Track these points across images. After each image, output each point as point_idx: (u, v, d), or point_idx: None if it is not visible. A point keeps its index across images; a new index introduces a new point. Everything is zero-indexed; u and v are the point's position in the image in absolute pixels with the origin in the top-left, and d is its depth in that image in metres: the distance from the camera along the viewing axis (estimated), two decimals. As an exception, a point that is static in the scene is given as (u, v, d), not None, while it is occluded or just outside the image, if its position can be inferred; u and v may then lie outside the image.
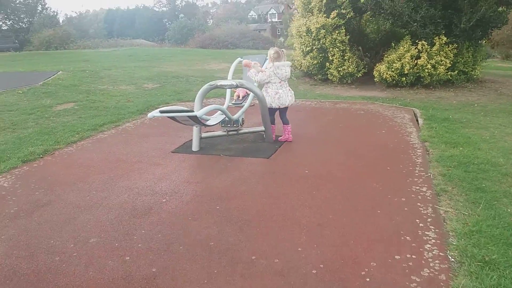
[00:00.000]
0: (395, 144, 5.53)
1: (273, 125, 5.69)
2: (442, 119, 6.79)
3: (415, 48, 10.12)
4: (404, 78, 10.11)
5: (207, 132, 5.79)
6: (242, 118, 5.58)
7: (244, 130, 5.65)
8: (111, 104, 8.41)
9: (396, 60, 10.17)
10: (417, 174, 4.41)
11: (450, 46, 10.18)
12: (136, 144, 5.80)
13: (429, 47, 10.10)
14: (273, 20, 70.69)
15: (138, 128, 6.72)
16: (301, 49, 12.13)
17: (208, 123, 5.06)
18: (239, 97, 6.02)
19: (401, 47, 10.30)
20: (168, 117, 4.55)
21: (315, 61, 11.60)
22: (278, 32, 46.16)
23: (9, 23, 36.04)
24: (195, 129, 5.48)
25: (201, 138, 5.56)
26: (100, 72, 12.56)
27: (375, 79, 10.64)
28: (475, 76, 11.06)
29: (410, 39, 10.36)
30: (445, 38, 10.08)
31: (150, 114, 4.40)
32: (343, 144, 5.59)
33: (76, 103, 8.41)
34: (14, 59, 19.80)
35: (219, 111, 5.45)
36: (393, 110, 7.70)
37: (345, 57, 11.15)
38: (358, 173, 4.48)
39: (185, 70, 14.00)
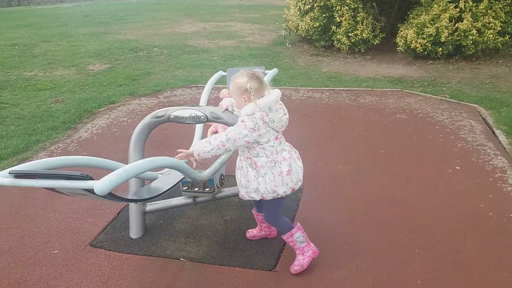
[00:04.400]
0: (496, 212, 3.08)
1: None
2: (536, 132, 4.33)
3: (455, 7, 7.43)
4: (440, 48, 7.49)
5: (156, 201, 3.22)
6: (222, 174, 3.03)
7: (225, 192, 3.11)
8: (29, 109, 5.70)
9: (429, 23, 7.49)
10: None
11: (502, 1, 7.50)
12: (35, 218, 3.25)
13: (474, 4, 7.41)
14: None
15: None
16: (298, 7, 9.31)
17: (142, 194, 2.51)
18: None
19: (435, 5, 7.58)
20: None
21: (317, 23, 8.84)
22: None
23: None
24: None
25: (145, 213, 3.04)
26: (35, 47, 9.55)
27: (399, 47, 8.00)
28: (526, 40, 8.52)
29: (448, -6, 7.61)
30: (495, -9, 7.39)
31: None
32: (410, 223, 3.12)
33: (-27, 110, 5.67)
34: None
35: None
36: (448, 110, 5.18)
37: (357, 18, 8.40)
38: None
39: (150, 36, 11.06)
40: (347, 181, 3.60)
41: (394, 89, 6.13)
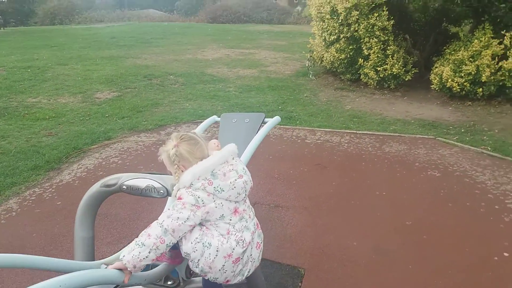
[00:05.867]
0: None
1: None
2: None
3: (499, 43, 6.60)
4: (481, 89, 6.64)
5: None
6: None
7: (198, 283, 2.41)
8: (17, 142, 5.23)
9: (468, 60, 6.68)
10: None
11: (553, 38, 6.63)
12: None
13: (521, 40, 6.58)
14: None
15: (12, 228, 3.53)
16: (323, 37, 8.69)
17: None
18: None
19: (476, 41, 6.77)
20: None
21: (343, 55, 8.20)
22: (296, 0, 41.50)
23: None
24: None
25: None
26: (49, 70, 9.27)
27: (433, 86, 7.20)
28: None
29: (491, 28, 6.79)
30: (545, 26, 6.54)
31: None
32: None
33: (-41, 142, 5.25)
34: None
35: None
36: (490, 167, 4.33)
37: (387, 51, 7.69)
38: None
39: (169, 62, 10.67)
40: (361, 265, 2.83)
41: (426, 136, 5.33)
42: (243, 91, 7.87)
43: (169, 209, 1.68)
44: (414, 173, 4.25)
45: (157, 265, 2.06)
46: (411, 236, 3.15)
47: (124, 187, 2.14)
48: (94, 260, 2.37)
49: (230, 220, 1.71)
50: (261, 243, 1.88)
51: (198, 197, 1.65)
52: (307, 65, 9.46)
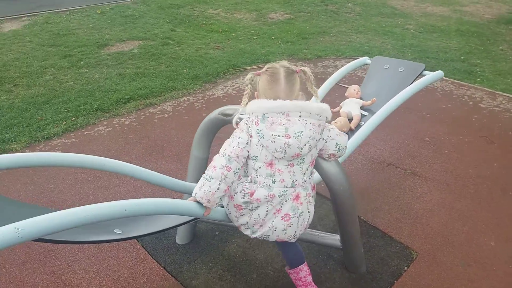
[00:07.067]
0: None
1: None
2: None
3: None
4: None
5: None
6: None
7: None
8: (188, 50, 5.68)
9: None
10: None
11: None
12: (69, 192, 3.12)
13: None
14: None
15: (160, 129, 3.93)
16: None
17: (133, 228, 1.84)
18: None
19: None
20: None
21: None
22: None
23: None
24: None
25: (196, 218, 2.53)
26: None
27: None
28: None
29: None
30: None
31: None
32: None
33: (143, 42, 5.92)
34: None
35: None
36: None
37: None
38: None
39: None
40: (492, 272, 2.33)
41: None
42: (424, 31, 6.91)
43: (231, 137, 1.68)
44: None
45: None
46: None
47: (238, 120, 2.10)
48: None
49: (259, 168, 1.64)
50: (292, 217, 1.69)
51: (249, 127, 1.62)
52: (517, 10, 7.70)
